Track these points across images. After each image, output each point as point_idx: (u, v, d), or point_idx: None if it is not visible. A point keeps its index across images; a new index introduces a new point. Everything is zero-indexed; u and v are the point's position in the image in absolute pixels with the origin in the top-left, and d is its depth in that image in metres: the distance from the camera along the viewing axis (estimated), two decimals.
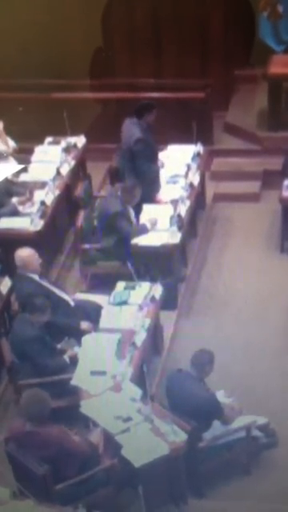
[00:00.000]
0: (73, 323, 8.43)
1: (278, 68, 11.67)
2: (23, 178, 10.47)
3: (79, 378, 7.77)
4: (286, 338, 9.05)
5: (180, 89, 12.23)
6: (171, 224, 9.52)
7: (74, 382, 7.76)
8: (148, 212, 9.76)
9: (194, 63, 13.18)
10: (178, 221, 9.54)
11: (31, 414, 6.82)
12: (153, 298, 8.66)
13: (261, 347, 8.98)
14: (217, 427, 7.47)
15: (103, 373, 7.76)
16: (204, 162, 10.95)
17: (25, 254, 8.58)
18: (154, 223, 9.54)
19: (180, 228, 9.51)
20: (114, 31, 13.39)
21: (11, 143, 10.91)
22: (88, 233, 9.77)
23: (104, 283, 9.37)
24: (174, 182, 10.28)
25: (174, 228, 9.47)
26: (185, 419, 7.22)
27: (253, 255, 10.42)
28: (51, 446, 6.79)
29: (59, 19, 12.92)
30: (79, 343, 8.22)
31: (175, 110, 11.95)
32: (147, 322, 8.40)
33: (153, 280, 8.91)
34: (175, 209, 9.75)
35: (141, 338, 8.17)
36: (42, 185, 10.27)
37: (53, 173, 10.47)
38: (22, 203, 10.01)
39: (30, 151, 11.02)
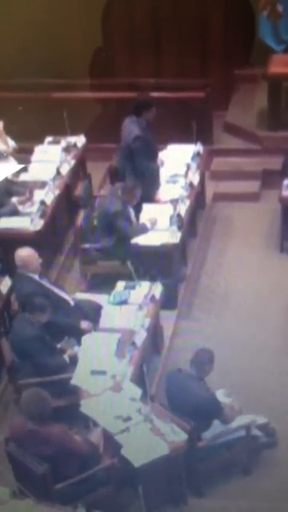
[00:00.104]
0: (73, 323, 8.44)
1: (277, 68, 11.68)
2: (23, 177, 10.47)
3: (79, 377, 7.78)
4: (285, 338, 9.05)
5: (180, 88, 12.23)
6: (171, 223, 9.53)
7: (73, 382, 7.76)
8: (148, 211, 9.77)
9: (194, 63, 13.18)
10: (177, 220, 9.55)
11: (32, 413, 6.83)
12: (153, 298, 8.66)
13: (260, 346, 8.98)
14: (217, 426, 7.48)
15: (103, 372, 7.76)
16: (204, 162, 10.95)
17: (25, 253, 8.58)
18: (153, 223, 9.54)
19: (180, 227, 9.51)
20: (114, 31, 13.39)
21: (11, 143, 10.91)
22: (88, 232, 9.77)
23: (104, 283, 9.39)
24: (174, 182, 10.29)
25: (174, 227, 9.48)
26: (184, 419, 7.23)
27: (252, 255, 10.43)
28: (52, 444, 6.80)
29: (59, 19, 12.92)
30: (79, 343, 8.22)
31: (175, 109, 11.95)
32: (147, 321, 8.40)
33: (153, 279, 8.91)
34: (175, 208, 9.75)
35: (141, 337, 8.17)
36: (42, 184, 10.27)
37: (53, 172, 10.48)
38: (22, 203, 10.01)
39: (30, 151, 11.02)
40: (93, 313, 8.57)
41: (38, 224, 9.67)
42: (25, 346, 7.91)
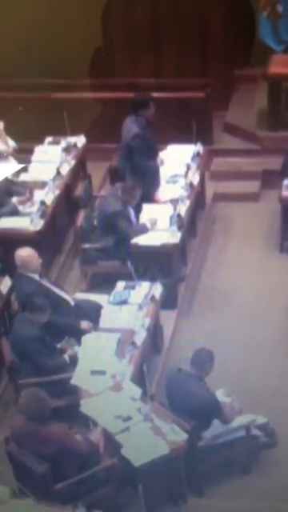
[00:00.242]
0: (73, 323, 8.45)
1: (277, 68, 11.68)
2: (23, 177, 10.47)
3: (79, 377, 7.79)
4: (285, 337, 9.06)
5: (180, 88, 12.23)
6: (171, 223, 9.53)
7: (73, 382, 7.77)
8: (148, 211, 9.77)
9: (194, 63, 13.18)
10: (177, 220, 9.55)
11: (31, 413, 6.83)
12: (153, 298, 8.67)
13: (260, 346, 8.99)
14: (216, 426, 7.48)
15: (103, 372, 7.77)
16: (204, 162, 10.96)
17: (25, 253, 8.58)
18: (153, 223, 9.55)
19: (180, 227, 9.52)
20: (114, 31, 13.39)
21: (11, 143, 10.91)
22: (88, 232, 9.78)
23: (104, 283, 9.39)
24: (174, 182, 10.29)
25: (174, 227, 9.48)
26: (184, 418, 7.24)
27: (252, 255, 10.43)
28: (52, 444, 6.80)
29: (59, 19, 12.92)
30: (79, 343, 8.23)
31: (175, 109, 11.96)
32: (147, 321, 8.41)
33: (153, 279, 8.92)
34: (175, 208, 9.76)
35: (141, 337, 8.18)
36: (42, 184, 10.28)
37: (53, 172, 10.48)
38: (22, 203, 10.02)
39: (30, 151, 11.02)
40: (93, 313, 8.57)
41: (38, 224, 9.68)
42: (25, 346, 7.92)
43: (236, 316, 9.46)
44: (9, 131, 10.92)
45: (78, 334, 8.32)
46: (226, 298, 9.77)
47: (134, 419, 7.24)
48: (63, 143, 11.12)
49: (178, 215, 9.63)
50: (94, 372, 7.78)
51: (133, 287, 8.77)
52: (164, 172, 10.43)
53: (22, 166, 9.83)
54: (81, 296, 9.00)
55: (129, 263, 9.22)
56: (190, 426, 7.18)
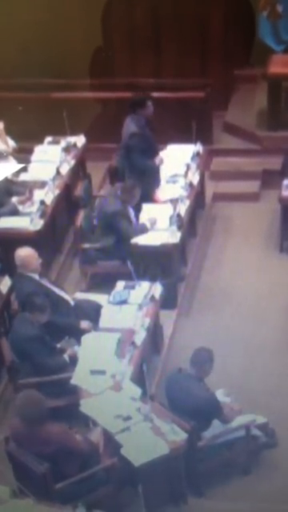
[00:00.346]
0: (72, 322, 8.45)
1: (277, 68, 11.68)
2: (23, 177, 10.47)
3: (79, 377, 7.78)
4: (285, 337, 9.06)
5: (180, 88, 12.23)
6: (171, 223, 9.53)
7: (73, 381, 7.77)
8: (147, 211, 9.77)
9: (194, 63, 13.18)
10: (177, 220, 9.55)
11: (27, 415, 6.82)
12: (152, 298, 8.67)
13: (260, 346, 8.99)
14: (216, 426, 7.48)
15: (103, 372, 7.77)
16: (203, 162, 10.96)
17: (24, 253, 8.58)
18: (153, 222, 9.55)
19: (179, 227, 9.52)
20: (114, 30, 13.39)
21: (11, 143, 10.91)
22: (88, 232, 9.78)
23: (104, 282, 9.40)
24: (174, 182, 10.29)
25: (174, 227, 9.48)
26: (184, 418, 7.24)
27: (252, 255, 10.43)
28: (51, 444, 6.80)
29: (59, 19, 12.92)
30: (79, 342, 8.23)
31: (175, 109, 11.96)
32: (147, 321, 8.41)
33: (152, 279, 8.92)
34: (175, 208, 9.76)
35: (140, 337, 8.18)
36: (42, 184, 10.28)
37: (52, 172, 10.48)
38: (22, 203, 10.02)
39: (30, 151, 11.02)
40: (93, 312, 8.57)
41: (38, 224, 9.68)
42: (25, 346, 7.92)
43: (236, 316, 9.46)
44: (9, 131, 10.92)
45: (77, 334, 8.32)
46: (225, 297, 9.77)
47: (134, 419, 7.24)
48: (63, 143, 11.12)
49: (178, 215, 9.63)
50: (93, 372, 7.78)
51: (133, 287, 8.77)
52: (164, 172, 10.43)
53: (22, 165, 9.83)
54: (81, 296, 9.00)
55: (128, 263, 9.23)
56: (189, 425, 7.18)
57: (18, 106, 12.12)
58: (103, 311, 8.55)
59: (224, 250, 10.58)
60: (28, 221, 9.68)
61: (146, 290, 8.74)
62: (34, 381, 7.83)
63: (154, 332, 8.74)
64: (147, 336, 8.29)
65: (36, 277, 8.59)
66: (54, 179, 10.39)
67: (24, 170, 10.35)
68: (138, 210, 9.77)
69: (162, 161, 10.53)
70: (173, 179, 10.33)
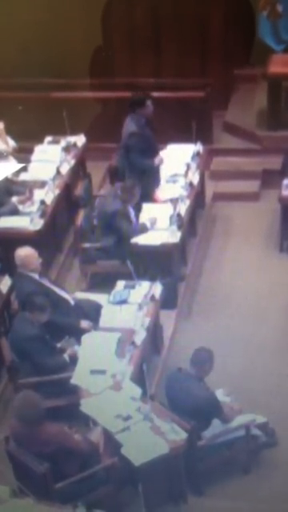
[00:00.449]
0: (73, 322, 8.45)
1: (277, 67, 11.68)
2: (23, 177, 10.47)
3: (79, 376, 7.79)
4: (285, 337, 9.06)
5: (180, 88, 12.23)
6: (171, 223, 9.53)
7: (73, 381, 7.77)
8: (148, 211, 9.78)
9: (194, 62, 13.18)
10: (177, 220, 9.55)
11: (24, 417, 6.81)
12: (152, 297, 8.67)
13: (260, 346, 8.99)
14: (216, 426, 7.49)
15: (103, 372, 7.77)
16: (203, 162, 10.96)
17: (24, 253, 8.58)
18: (153, 222, 9.55)
19: (179, 227, 9.52)
20: (114, 30, 13.39)
21: (11, 142, 10.91)
22: (88, 232, 9.79)
23: (104, 282, 9.40)
24: (174, 181, 10.30)
25: (174, 227, 9.48)
26: (184, 418, 7.24)
27: (252, 254, 10.44)
28: (50, 444, 6.80)
29: (59, 18, 12.92)
30: (79, 342, 8.23)
31: (175, 109, 11.96)
32: (147, 321, 8.41)
33: (152, 279, 8.92)
34: (175, 208, 9.76)
35: (140, 337, 8.18)
36: (42, 184, 10.28)
37: (53, 172, 10.49)
38: (22, 202, 10.02)
39: (30, 150, 11.02)
40: (93, 312, 8.58)
41: (38, 223, 9.68)
42: (25, 346, 7.92)
43: (236, 315, 9.46)
44: (9, 131, 10.92)
45: (77, 334, 8.32)
46: (225, 297, 9.77)
47: (134, 418, 7.24)
48: (63, 143, 11.12)
49: (178, 215, 9.63)
50: (93, 371, 7.78)
51: (133, 287, 8.77)
52: (164, 171, 10.44)
53: (22, 165, 9.83)
54: (81, 295, 9.00)
55: (128, 263, 9.22)
56: (189, 425, 7.18)
57: (18, 105, 12.12)
58: (103, 311, 8.55)
59: (224, 250, 10.58)
60: (28, 220, 9.68)
61: (146, 289, 8.74)
62: (34, 380, 7.83)
63: (154, 332, 8.74)
64: (147, 336, 8.29)
65: (36, 276, 8.59)
66: (54, 179, 10.39)
67: (24, 169, 10.36)
68: (138, 209, 9.77)
69: (161, 160, 10.52)
70: (173, 179, 10.33)
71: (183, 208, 9.83)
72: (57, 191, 10.28)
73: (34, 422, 6.78)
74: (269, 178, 11.28)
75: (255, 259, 10.35)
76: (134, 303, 8.57)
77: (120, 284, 8.84)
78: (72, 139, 11.17)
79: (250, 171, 11.65)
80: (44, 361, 7.91)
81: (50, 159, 10.78)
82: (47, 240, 9.92)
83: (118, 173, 10.55)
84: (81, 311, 8.59)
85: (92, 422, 7.44)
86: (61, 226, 10.46)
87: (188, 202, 10.02)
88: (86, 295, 9.03)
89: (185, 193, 10.10)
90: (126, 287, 8.77)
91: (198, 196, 10.65)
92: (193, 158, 10.71)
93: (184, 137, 10.92)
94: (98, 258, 9.65)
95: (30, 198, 10.05)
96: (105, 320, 8.45)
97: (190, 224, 10.24)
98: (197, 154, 10.80)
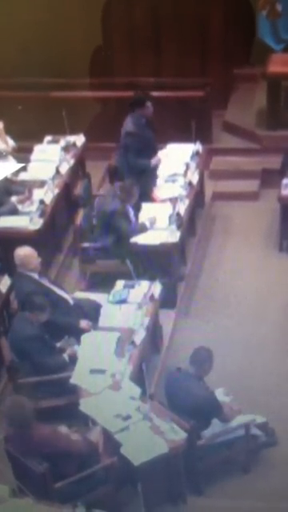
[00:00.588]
0: (72, 322, 8.45)
1: (277, 67, 11.68)
2: (22, 176, 10.47)
3: (78, 376, 7.79)
4: (284, 337, 9.06)
5: (179, 87, 12.23)
6: (170, 223, 9.53)
7: (73, 381, 7.77)
8: (147, 210, 9.78)
9: (194, 62, 13.17)
10: (176, 219, 9.55)
11: (14, 420, 6.81)
12: (152, 297, 8.67)
13: (260, 345, 8.99)
14: (216, 425, 7.49)
15: (102, 371, 7.77)
16: (203, 161, 10.96)
17: (24, 252, 8.58)
18: (153, 222, 9.55)
19: (179, 227, 9.52)
20: (114, 30, 13.39)
21: (10, 142, 10.91)
22: (87, 231, 9.78)
23: (103, 282, 9.39)
24: (173, 181, 10.29)
25: (173, 227, 9.48)
26: (184, 417, 7.24)
27: (251, 254, 10.43)
28: (44, 446, 6.79)
29: (59, 18, 12.92)
30: (78, 342, 8.23)
31: (174, 108, 11.95)
32: (146, 320, 8.41)
33: (152, 279, 8.92)
34: (174, 207, 9.76)
35: (140, 336, 8.18)
36: (42, 184, 10.28)
37: (52, 172, 10.48)
38: (22, 202, 10.02)
39: (30, 150, 11.02)
40: (92, 312, 8.58)
41: (38, 223, 9.68)
42: (24, 345, 7.92)
43: (235, 315, 9.46)
44: (8, 130, 10.92)
45: (77, 333, 8.32)
46: (225, 296, 9.77)
47: (134, 418, 7.24)
48: (62, 142, 11.12)
49: (178, 214, 9.63)
50: (93, 371, 7.79)
51: (132, 286, 8.77)
52: (163, 171, 10.43)
53: (22, 165, 9.83)
54: (80, 295, 9.00)
55: (128, 262, 9.23)
56: (189, 425, 7.18)
57: (18, 105, 12.12)
58: (103, 310, 8.55)
59: (223, 250, 10.58)
60: (27, 220, 9.68)
61: (146, 289, 8.74)
62: (34, 380, 7.84)
63: (154, 331, 8.74)
64: (146, 335, 8.29)
65: (35, 276, 8.59)
66: (53, 178, 10.39)
67: (23, 169, 10.35)
68: (137, 209, 9.77)
69: (159, 161, 10.51)
70: (172, 178, 10.33)
71: (182, 207, 9.83)
72: (56, 191, 10.27)
73: (24, 426, 6.77)
74: (268, 178, 11.28)
75: (255, 259, 10.35)
76: (133, 303, 8.57)
77: (119, 283, 8.84)
78: (71, 139, 11.17)
79: (249, 171, 11.65)
80: (43, 360, 7.91)
81: (50, 159, 10.78)
82: (46, 239, 9.91)
83: (117, 172, 10.55)
84: (80, 311, 8.59)
85: (91, 422, 7.43)
86: (60, 225, 10.46)
87: (187, 202, 10.02)
88: (85, 295, 9.03)
89: (184, 192, 10.10)
90: (125, 287, 8.78)
91: (197, 195, 10.64)
92: (192, 157, 10.70)
93: (183, 136, 10.91)
94: (98, 257, 9.65)
95: (30, 197, 10.05)
96: (104, 320, 8.45)
97: (189, 223, 10.23)
98: (196, 154, 10.80)
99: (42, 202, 9.93)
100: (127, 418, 7.25)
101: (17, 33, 12.97)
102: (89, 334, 8.28)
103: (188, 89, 12.12)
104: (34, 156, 10.94)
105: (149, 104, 10.30)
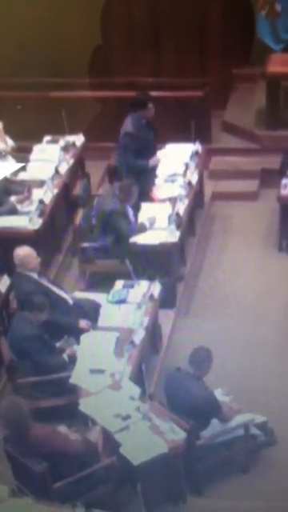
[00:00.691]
0: (71, 321, 8.45)
1: (276, 67, 11.69)
2: (22, 176, 10.46)
3: (78, 376, 7.79)
4: (284, 336, 9.06)
5: (179, 87, 12.23)
6: (170, 222, 9.53)
7: (72, 380, 7.77)
8: (146, 210, 9.77)
9: (193, 62, 13.18)
10: (176, 219, 9.55)
11: (10, 422, 6.80)
12: (151, 297, 8.67)
13: (259, 345, 8.99)
14: (215, 425, 7.49)
15: (102, 371, 7.77)
16: (202, 161, 10.95)
17: (23, 252, 8.58)
18: (152, 222, 9.55)
19: (178, 226, 9.52)
20: (113, 29, 13.39)
21: (10, 142, 10.91)
22: (87, 231, 9.78)
23: (102, 282, 9.39)
24: (173, 181, 10.29)
25: (173, 226, 9.48)
26: (183, 417, 7.24)
27: (251, 254, 10.43)
28: (41, 447, 6.78)
29: (58, 17, 12.92)
30: (78, 341, 8.23)
31: (174, 108, 11.95)
32: (146, 320, 8.41)
33: (151, 278, 8.91)
34: (174, 207, 9.76)
35: (139, 336, 8.18)
36: (41, 183, 10.28)
37: (51, 171, 10.48)
38: (21, 202, 10.01)
39: (29, 150, 11.01)
40: (91, 311, 8.57)
41: (37, 223, 9.67)
42: (23, 345, 7.92)
43: (235, 315, 9.46)
44: (7, 130, 10.91)
45: (76, 333, 8.32)
46: (224, 297, 9.77)
47: (133, 418, 7.24)
48: (62, 142, 11.11)
49: (177, 214, 9.64)
50: (92, 371, 7.79)
51: (131, 286, 8.77)
52: (162, 171, 10.43)
53: (21, 164, 9.79)
54: (79, 295, 9.00)
55: (127, 262, 9.22)
56: (188, 424, 7.19)
57: (17, 104, 12.11)
58: (102, 310, 8.55)
59: (223, 249, 10.58)
60: (27, 220, 9.67)
61: (145, 289, 8.74)
62: (33, 380, 7.83)
63: (153, 331, 8.74)
64: (146, 335, 8.29)
65: (35, 276, 8.59)
66: (52, 178, 10.38)
67: (23, 169, 10.32)
68: (136, 208, 9.77)
69: (158, 161, 10.50)
70: (172, 178, 10.32)
71: (182, 207, 9.83)
72: (55, 191, 10.27)
73: (21, 426, 6.76)
74: (268, 178, 11.28)
75: (254, 259, 10.35)
76: (132, 303, 8.57)
77: (119, 283, 8.84)
78: (71, 138, 11.16)
79: (248, 170, 11.65)
80: (43, 360, 7.91)
81: (49, 159, 10.77)
82: (46, 239, 9.91)
83: (116, 172, 10.54)
84: (80, 311, 8.59)
85: (91, 422, 7.43)
86: (59, 225, 10.46)
87: (187, 202, 10.02)
88: (84, 294, 9.03)
89: (184, 192, 10.10)
90: (124, 287, 8.78)
91: (196, 195, 10.64)
92: (192, 157, 10.70)
93: (183, 136, 10.91)
94: (97, 257, 9.65)
95: (29, 197, 10.04)
96: (104, 319, 8.45)
97: (188, 223, 10.23)
98: (196, 154, 10.79)
99: (41, 201, 9.93)
100: (127, 417, 7.25)
101: (16, 31, 12.96)
102: (88, 333, 8.28)
103: (187, 89, 12.12)
104: (33, 156, 10.93)
105: (150, 106, 10.30)
